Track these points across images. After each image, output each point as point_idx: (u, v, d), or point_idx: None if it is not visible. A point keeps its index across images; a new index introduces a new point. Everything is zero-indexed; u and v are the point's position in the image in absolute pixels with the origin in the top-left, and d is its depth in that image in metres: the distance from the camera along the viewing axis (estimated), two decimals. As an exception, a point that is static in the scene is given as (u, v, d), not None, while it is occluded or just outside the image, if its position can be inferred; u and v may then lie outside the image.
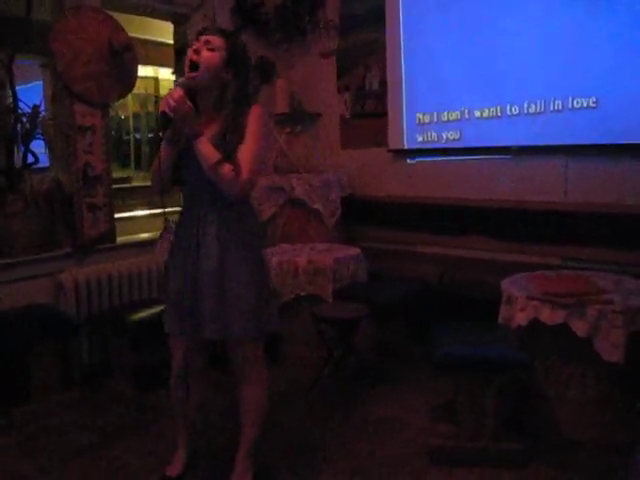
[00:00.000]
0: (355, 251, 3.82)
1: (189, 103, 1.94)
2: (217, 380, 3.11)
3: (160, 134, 2.10)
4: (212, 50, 2.02)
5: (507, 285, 2.84)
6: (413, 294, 3.56)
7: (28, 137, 3.39)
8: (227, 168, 1.97)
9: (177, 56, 4.34)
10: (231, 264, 2.07)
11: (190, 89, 2.02)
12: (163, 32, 4.90)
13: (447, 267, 3.83)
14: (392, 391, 3.23)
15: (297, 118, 4.86)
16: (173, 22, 4.39)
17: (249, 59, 2.18)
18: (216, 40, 2.04)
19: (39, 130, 3.43)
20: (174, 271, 2.17)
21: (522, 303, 2.64)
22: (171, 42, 4.46)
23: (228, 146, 2.00)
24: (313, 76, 4.89)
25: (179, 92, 1.93)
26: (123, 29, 3.73)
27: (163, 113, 1.92)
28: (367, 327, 3.44)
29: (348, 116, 4.72)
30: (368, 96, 4.59)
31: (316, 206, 4.26)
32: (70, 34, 3.48)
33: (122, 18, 3.82)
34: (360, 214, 4.59)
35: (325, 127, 4.87)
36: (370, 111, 4.58)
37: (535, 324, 2.60)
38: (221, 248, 2.07)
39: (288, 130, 4.87)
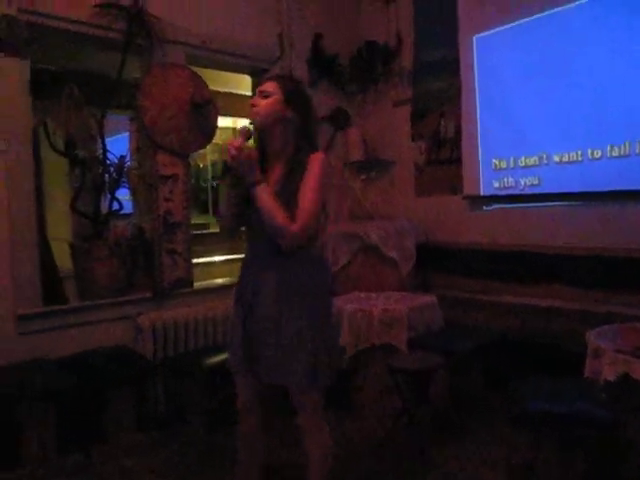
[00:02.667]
0: (430, 299, 3.75)
1: (249, 150, 2.00)
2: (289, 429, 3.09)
3: (220, 180, 2.19)
4: (267, 96, 2.09)
5: (593, 337, 2.71)
6: (490, 344, 3.45)
7: (114, 186, 3.58)
8: (280, 218, 1.98)
9: (255, 107, 4.51)
10: (288, 312, 2.07)
11: (259, 135, 2.12)
12: (242, 84, 5.10)
13: (526, 317, 3.70)
14: (468, 445, 3.11)
15: (372, 165, 4.90)
16: (251, 75, 4.58)
17: (307, 95, 2.17)
18: (269, 86, 2.11)
19: (124, 179, 3.62)
20: (236, 316, 2.20)
21: (610, 357, 2.50)
22: (249, 94, 4.64)
23: (285, 193, 2.04)
24: (387, 124, 4.94)
25: (239, 141, 1.99)
26: (205, 84, 3.92)
27: (226, 162, 2.02)
28: (443, 377, 3.36)
29: (422, 163, 4.72)
30: (443, 143, 4.58)
31: (391, 253, 4.23)
32: (156, 89, 3.69)
33: (204, 72, 4.02)
34: (435, 261, 4.52)
35: (399, 174, 4.88)
36: (445, 158, 4.56)
37: (625, 379, 2.45)
38: (278, 295, 2.08)
39: (363, 177, 4.91)
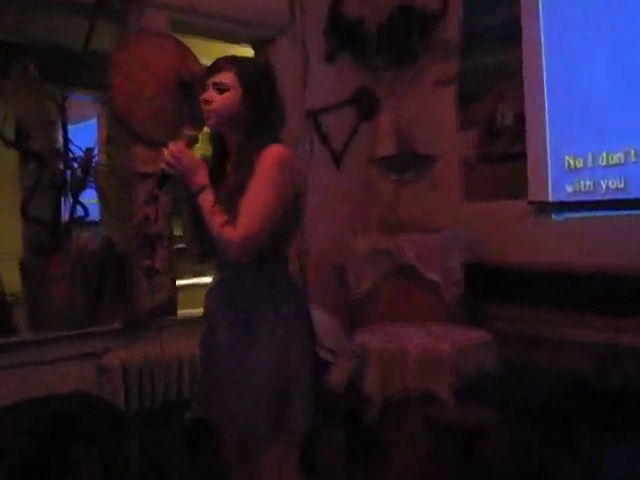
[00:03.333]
0: (482, 335, 3.74)
1: (188, 155, 2.13)
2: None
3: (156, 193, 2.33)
4: (223, 90, 2.18)
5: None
6: (561, 392, 3.43)
7: (78, 186, 3.58)
8: (216, 225, 2.08)
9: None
10: (246, 344, 2.16)
11: (215, 139, 2.28)
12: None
13: (608, 357, 3.65)
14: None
15: (407, 162, 4.88)
16: (254, 47, 4.59)
17: (272, 82, 2.27)
18: (225, 76, 2.18)
19: (91, 178, 3.62)
20: (200, 359, 2.36)
21: None
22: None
23: (232, 199, 2.12)
24: (427, 109, 4.91)
25: (179, 145, 2.13)
26: (195, 57, 3.92)
27: (162, 170, 2.15)
28: (499, 435, 3.32)
29: (473, 159, 4.69)
30: (499, 133, 4.55)
31: (431, 275, 4.21)
32: (132, 64, 3.69)
33: (194, 44, 4.02)
34: (489, 286, 4.47)
35: (443, 173, 4.85)
36: (502, 153, 4.52)
37: None
38: (232, 321, 2.20)
39: (395, 178, 4.89)
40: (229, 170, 2.25)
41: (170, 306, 3.81)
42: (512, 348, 3.95)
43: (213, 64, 2.23)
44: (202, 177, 2.13)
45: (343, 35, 4.75)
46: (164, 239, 3.80)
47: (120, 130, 3.72)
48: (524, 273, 4.37)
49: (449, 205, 4.82)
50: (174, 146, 2.12)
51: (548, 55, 4.27)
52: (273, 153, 2.13)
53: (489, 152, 4.62)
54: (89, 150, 3.63)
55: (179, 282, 3.98)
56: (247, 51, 4.63)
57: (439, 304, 4.27)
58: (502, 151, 4.55)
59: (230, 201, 2.11)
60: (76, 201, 3.58)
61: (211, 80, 2.19)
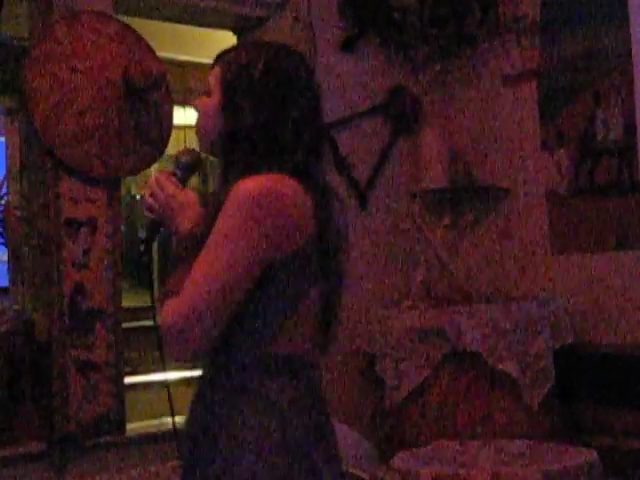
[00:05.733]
0: (586, 456, 3.67)
1: (168, 189, 2.14)
2: None
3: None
4: (206, 94, 2.18)
5: None
6: None
7: (-21, 240, 3.60)
8: (162, 297, 2.04)
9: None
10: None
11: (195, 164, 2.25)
12: (217, 49, 5.14)
13: None
14: None
15: (466, 197, 4.89)
16: (235, 32, 4.66)
17: (267, 75, 2.12)
18: (211, 74, 2.19)
19: (-2, 227, 3.65)
20: None
21: None
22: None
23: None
24: (493, 120, 4.95)
25: (160, 177, 2.17)
26: (150, 50, 3.97)
27: (146, 217, 2.20)
28: None
29: (565, 193, 4.69)
30: (602, 153, 4.56)
31: (505, 366, 4.18)
32: (57, 61, 3.73)
33: (149, 29, 4.08)
34: (593, 381, 4.44)
35: (520, 214, 4.85)
36: (606, 182, 4.53)
37: None
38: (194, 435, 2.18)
39: (449, 221, 4.88)
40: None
41: (116, 417, 3.79)
42: (627, 474, 3.94)
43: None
44: (190, 221, 2.11)
45: (367, 13, 4.81)
46: (106, 317, 3.80)
47: (39, 156, 3.75)
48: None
49: (530, 261, 4.81)
50: (153, 180, 2.15)
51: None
52: (244, 188, 2.00)
53: (587, 181, 4.63)
54: (-5, 186, 3.66)
55: (130, 380, 3.94)
56: (228, 37, 4.68)
57: (518, 409, 4.25)
58: (606, 179, 4.56)
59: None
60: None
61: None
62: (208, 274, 1.96)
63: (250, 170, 2.04)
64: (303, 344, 2.13)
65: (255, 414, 2.06)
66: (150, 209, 2.15)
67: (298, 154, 2.10)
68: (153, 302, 2.29)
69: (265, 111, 2.09)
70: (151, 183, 2.15)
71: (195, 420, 2.18)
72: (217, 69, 2.14)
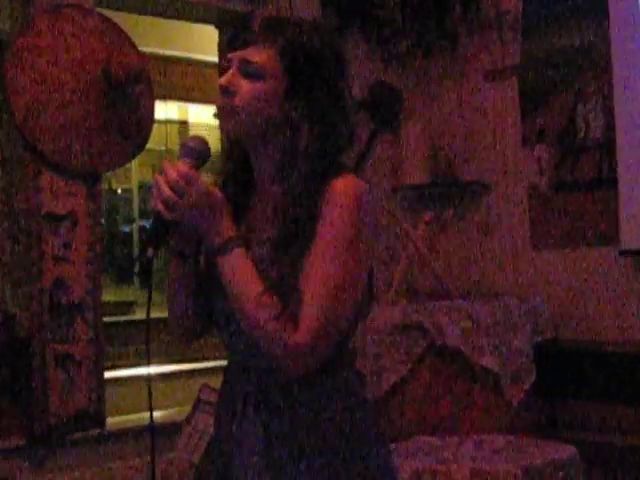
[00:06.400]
0: (565, 451, 3.69)
1: (201, 186, 1.88)
2: None
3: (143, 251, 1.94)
4: (255, 75, 1.95)
5: None
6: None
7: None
8: (265, 318, 1.86)
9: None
10: None
11: (232, 152, 2.08)
12: (200, 43, 5.20)
13: None
14: None
15: (446, 194, 4.91)
16: (217, 26, 4.64)
17: (334, 62, 2.01)
18: (260, 54, 1.96)
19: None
20: None
21: None
22: (213, 59, 4.73)
23: (282, 264, 1.88)
24: (475, 115, 4.96)
25: (183, 168, 1.87)
26: (131, 43, 3.97)
27: (157, 214, 1.86)
28: None
29: (545, 188, 4.71)
30: (582, 150, 4.57)
31: (486, 362, 4.19)
32: (38, 55, 3.72)
33: (131, 23, 4.07)
34: (572, 377, 4.45)
35: (500, 210, 4.87)
36: (587, 179, 4.55)
37: None
38: (269, 462, 1.99)
39: (429, 217, 4.88)
40: (259, 208, 2.06)
41: (96, 412, 3.79)
42: (607, 468, 3.98)
43: (243, 28, 2.05)
44: (226, 224, 1.91)
45: (349, 7, 4.82)
46: (87, 311, 3.80)
47: (19, 149, 3.75)
48: (623, 357, 4.37)
49: (511, 256, 4.83)
50: (173, 170, 1.86)
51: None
52: (351, 188, 1.91)
53: (568, 178, 4.64)
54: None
55: (110, 374, 3.94)
56: (210, 32, 4.67)
57: (498, 405, 4.26)
58: (586, 176, 4.58)
59: (268, 262, 1.94)
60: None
61: (237, 55, 1.98)
62: (340, 284, 1.88)
63: (330, 166, 1.95)
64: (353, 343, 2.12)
65: (353, 411, 2.04)
66: (170, 207, 1.85)
67: (353, 147, 2.05)
68: (149, 313, 2.12)
69: (333, 100, 2.00)
70: (171, 175, 1.85)
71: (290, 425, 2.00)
72: (271, 50, 1.95)
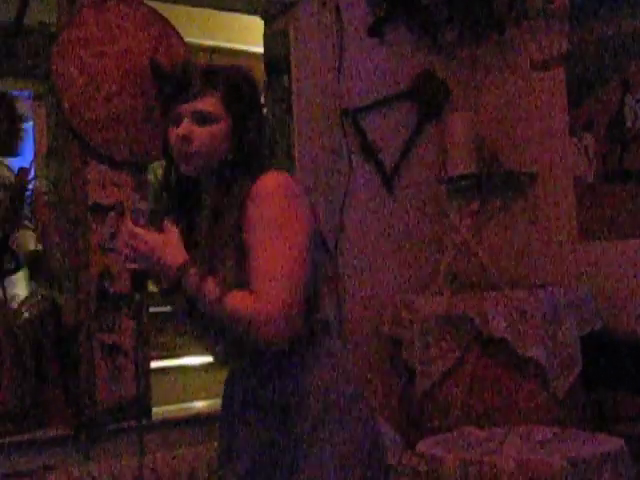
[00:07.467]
0: (613, 444, 3.65)
1: (147, 235, 2.18)
2: None
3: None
4: (207, 123, 2.27)
5: None
6: None
7: (8, 224, 3.59)
8: (238, 303, 2.14)
9: (269, 74, 4.54)
10: (283, 466, 2.22)
11: (180, 183, 2.38)
12: (246, 34, 5.21)
13: None
14: None
15: (492, 184, 4.88)
16: (263, 17, 4.64)
17: (257, 97, 2.42)
18: (210, 102, 2.28)
19: (26, 211, 3.64)
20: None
21: None
22: (259, 50, 4.72)
23: (208, 257, 2.21)
24: (521, 105, 4.93)
25: (128, 227, 2.21)
26: (178, 34, 3.98)
27: (134, 272, 2.24)
28: None
29: (592, 178, 4.67)
30: (630, 139, 4.53)
31: (532, 353, 4.16)
32: (86, 46, 3.74)
33: (177, 14, 4.09)
34: (621, 369, 4.41)
35: (547, 200, 4.84)
36: (635, 168, 4.50)
37: None
38: (255, 442, 2.28)
39: (476, 207, 4.86)
40: (203, 226, 2.35)
41: (142, 402, 3.81)
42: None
43: (186, 83, 2.29)
44: (177, 254, 2.19)
45: (396, -1, 4.81)
46: (133, 302, 3.80)
47: (67, 140, 3.75)
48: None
49: (558, 247, 4.80)
50: (125, 228, 2.21)
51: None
52: (268, 183, 2.22)
53: (616, 167, 4.60)
54: (22, 170, 3.65)
55: (156, 364, 3.96)
56: (255, 23, 4.67)
57: (544, 396, 4.22)
58: (635, 166, 4.53)
59: (210, 266, 2.19)
60: (5, 247, 3.60)
61: (187, 107, 2.26)
62: (285, 263, 2.14)
63: (259, 173, 2.25)
64: (326, 311, 2.40)
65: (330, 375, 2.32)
66: (132, 260, 2.19)
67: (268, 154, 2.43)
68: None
69: (259, 125, 2.36)
70: (124, 237, 2.19)
71: (266, 395, 2.28)
72: (215, 98, 2.26)
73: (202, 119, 2.24)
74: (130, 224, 2.18)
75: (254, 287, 2.11)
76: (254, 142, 2.31)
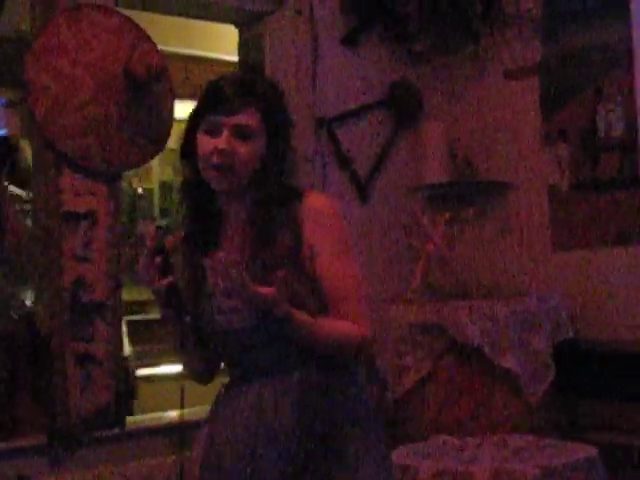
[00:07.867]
0: (585, 452, 3.66)
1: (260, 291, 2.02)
2: None
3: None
4: (247, 138, 2.23)
5: None
6: None
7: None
8: (347, 331, 2.24)
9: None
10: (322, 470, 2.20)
11: (194, 190, 2.33)
12: (220, 42, 5.21)
13: None
14: None
15: (467, 193, 4.89)
16: (237, 25, 4.65)
17: (287, 112, 2.39)
18: (251, 118, 2.24)
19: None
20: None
21: None
22: (233, 59, 4.73)
23: (260, 275, 2.09)
24: (495, 114, 4.94)
25: (246, 281, 2.00)
26: (151, 42, 3.96)
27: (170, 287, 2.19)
28: None
29: (566, 188, 4.68)
30: (603, 149, 4.55)
31: (505, 362, 4.17)
32: (59, 54, 3.72)
33: (151, 22, 4.08)
34: (593, 377, 4.43)
35: (520, 210, 4.85)
36: (608, 178, 4.53)
37: None
38: (301, 441, 2.21)
39: (448, 216, 4.87)
40: (238, 237, 2.32)
41: (116, 410, 3.79)
42: (626, 470, 3.94)
43: (225, 96, 2.22)
44: (284, 304, 2.07)
45: (369, 6, 4.79)
46: (107, 311, 3.80)
47: (40, 149, 3.74)
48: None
49: (531, 256, 4.81)
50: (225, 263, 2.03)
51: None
52: (324, 203, 2.30)
53: (588, 177, 4.62)
54: (-4, 180, 3.64)
55: (140, 372, 3.94)
56: (230, 31, 4.67)
57: (517, 404, 4.24)
58: (607, 175, 4.55)
59: (263, 278, 2.07)
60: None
61: (228, 121, 2.21)
62: (361, 284, 2.31)
63: (287, 188, 2.30)
64: None
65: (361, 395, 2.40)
66: (226, 294, 2.05)
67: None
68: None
69: (288, 142, 2.36)
70: (221, 273, 2.02)
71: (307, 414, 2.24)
72: (256, 113, 2.22)
73: (242, 134, 2.20)
74: (246, 277, 1.99)
75: (341, 309, 2.22)
76: (285, 159, 2.32)
